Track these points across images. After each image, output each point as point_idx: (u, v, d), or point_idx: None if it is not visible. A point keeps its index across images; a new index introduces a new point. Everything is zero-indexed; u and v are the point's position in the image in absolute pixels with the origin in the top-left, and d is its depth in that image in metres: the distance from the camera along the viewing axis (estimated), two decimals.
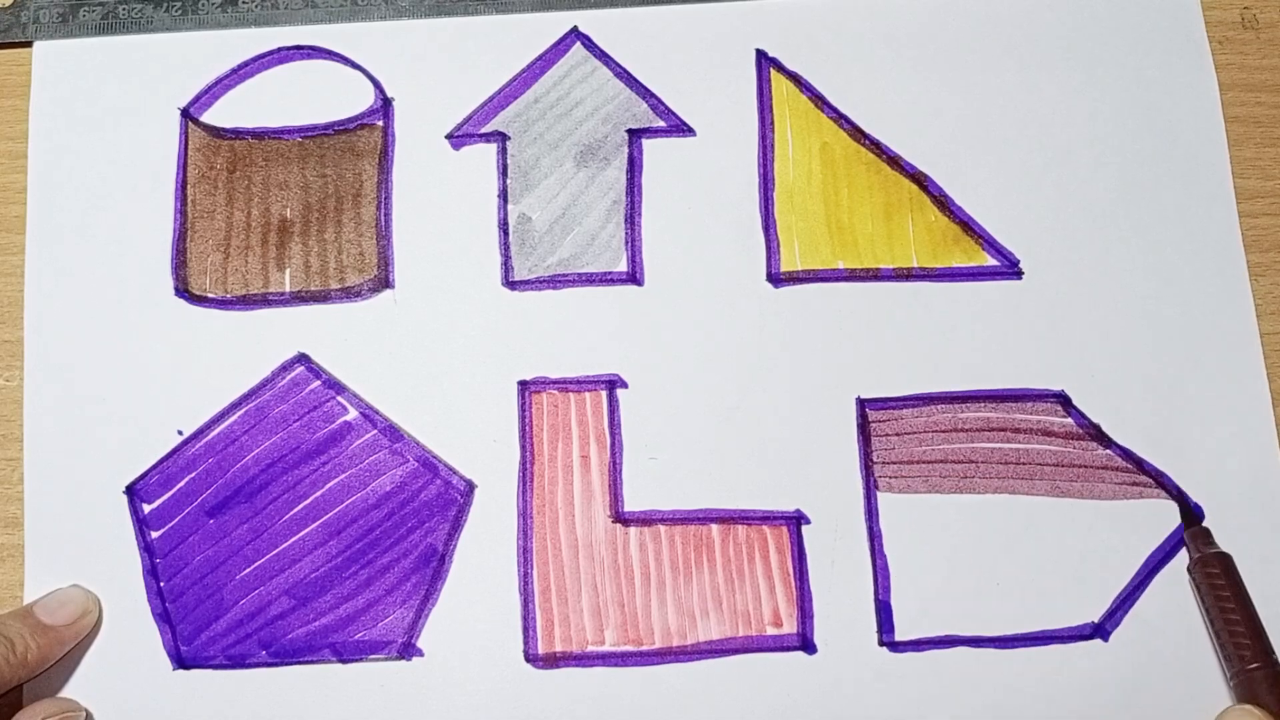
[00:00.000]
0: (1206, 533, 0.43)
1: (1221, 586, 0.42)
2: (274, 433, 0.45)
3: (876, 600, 0.44)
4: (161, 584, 0.44)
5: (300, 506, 0.45)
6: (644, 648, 0.43)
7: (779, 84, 0.48)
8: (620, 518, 0.45)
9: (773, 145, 0.48)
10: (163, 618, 0.44)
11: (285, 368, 0.46)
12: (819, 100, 0.48)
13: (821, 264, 0.47)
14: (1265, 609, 0.43)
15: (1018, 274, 0.46)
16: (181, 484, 0.45)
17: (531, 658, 0.43)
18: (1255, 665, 0.40)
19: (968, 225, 0.47)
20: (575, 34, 0.49)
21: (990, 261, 0.46)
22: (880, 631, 0.43)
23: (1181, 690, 0.43)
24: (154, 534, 0.44)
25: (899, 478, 0.45)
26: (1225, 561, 0.42)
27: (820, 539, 0.44)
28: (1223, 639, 0.41)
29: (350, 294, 0.47)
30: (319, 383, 0.46)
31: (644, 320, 0.46)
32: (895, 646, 0.43)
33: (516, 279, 0.47)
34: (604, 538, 0.44)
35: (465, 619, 0.44)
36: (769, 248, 0.47)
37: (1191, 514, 0.44)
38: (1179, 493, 0.44)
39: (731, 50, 0.49)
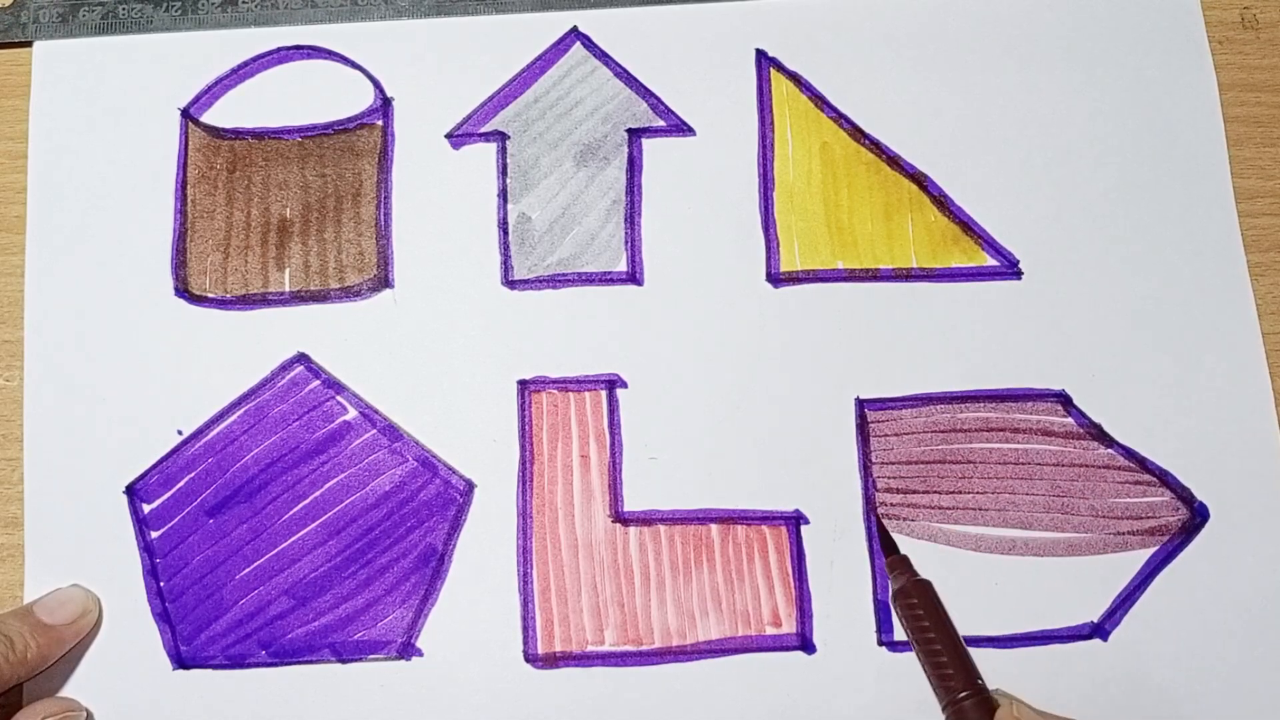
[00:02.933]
0: (905, 561, 0.43)
1: (921, 617, 0.41)
2: (273, 432, 0.45)
3: (876, 600, 0.44)
4: (161, 584, 0.44)
5: (300, 506, 0.45)
6: (644, 648, 0.43)
7: (779, 84, 0.48)
8: (620, 517, 0.45)
9: (773, 145, 0.48)
10: (163, 618, 0.44)
11: (285, 367, 0.46)
12: (819, 100, 0.48)
13: (821, 264, 0.47)
14: (1266, 609, 0.43)
15: (1018, 274, 0.46)
16: (181, 484, 0.45)
17: (531, 658, 0.43)
18: (964, 694, 0.40)
19: (967, 225, 0.47)
20: (575, 34, 0.49)
21: (990, 261, 0.46)
22: (880, 631, 0.43)
23: (1181, 690, 0.43)
24: (154, 534, 0.44)
25: (899, 478, 0.45)
26: (924, 589, 0.42)
27: (820, 539, 0.44)
28: (928, 671, 0.41)
29: (350, 294, 0.47)
30: (318, 382, 0.46)
31: (644, 320, 0.46)
32: (895, 646, 0.43)
33: (516, 278, 0.47)
34: (604, 537, 0.44)
35: (465, 619, 0.44)
36: (769, 248, 0.47)
37: (890, 541, 0.44)
38: (1184, 491, 0.44)
39: (731, 50, 0.49)
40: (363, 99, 0.48)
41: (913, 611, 0.42)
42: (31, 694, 0.43)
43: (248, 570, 0.44)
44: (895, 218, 0.47)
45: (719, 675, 0.43)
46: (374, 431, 0.45)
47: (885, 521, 0.44)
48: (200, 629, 0.44)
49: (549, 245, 0.47)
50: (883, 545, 0.44)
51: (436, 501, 0.45)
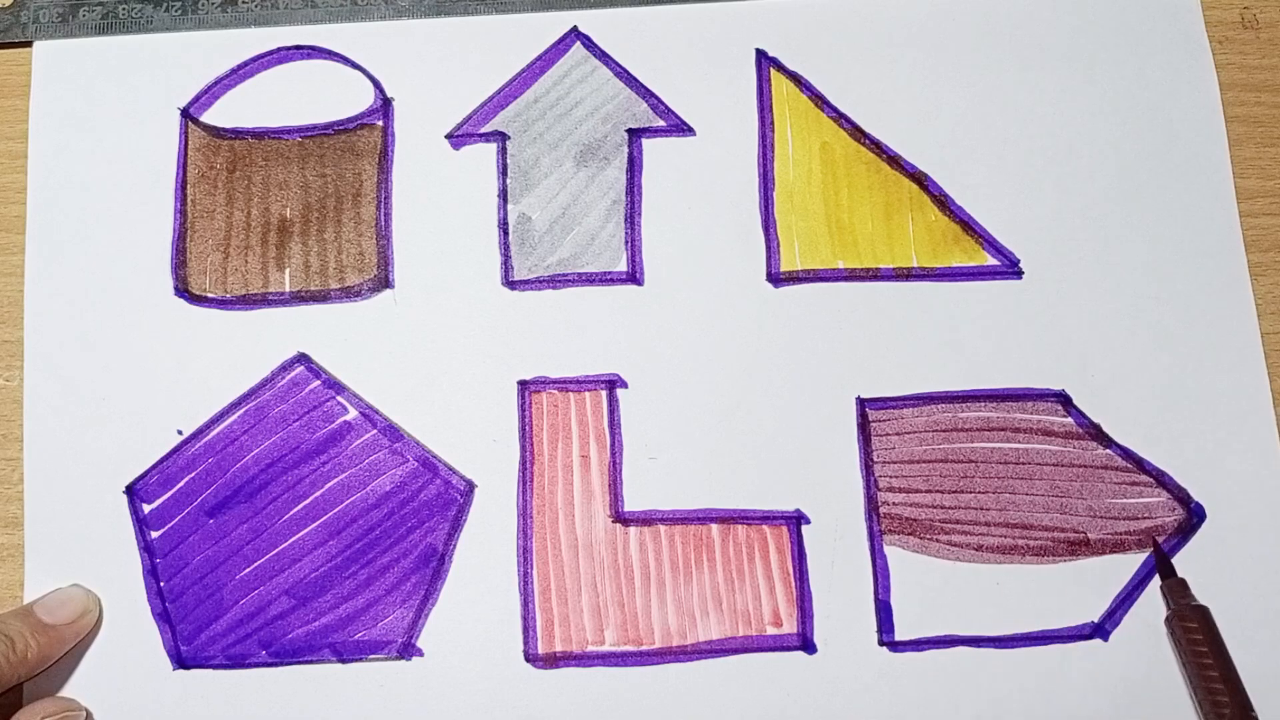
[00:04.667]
0: (1183, 585, 0.43)
1: (1199, 642, 0.41)
2: (274, 432, 0.45)
3: (876, 600, 0.44)
4: (161, 584, 0.44)
5: (300, 506, 0.45)
6: (644, 648, 0.43)
7: (779, 84, 0.48)
8: (620, 517, 0.45)
9: (773, 145, 0.48)
10: (163, 618, 0.44)
11: (285, 367, 0.46)
12: (819, 100, 0.48)
13: (821, 264, 0.47)
14: (1266, 608, 0.43)
15: (1018, 274, 0.46)
16: (181, 484, 0.45)
17: (531, 658, 0.43)
18: None
19: (968, 225, 0.47)
20: (575, 34, 0.49)
21: (990, 261, 0.46)
22: (880, 631, 0.43)
23: (1181, 690, 0.43)
24: (154, 534, 0.44)
25: (900, 477, 0.45)
26: (1203, 616, 0.41)
27: (820, 539, 0.44)
28: (1200, 695, 0.41)
29: (350, 294, 0.47)
30: (319, 382, 0.46)
31: (644, 320, 0.46)
32: (895, 646, 0.43)
33: (516, 279, 0.47)
34: (604, 537, 0.44)
35: (465, 619, 0.44)
36: (769, 247, 0.47)
37: (1168, 563, 0.43)
38: (1180, 492, 0.44)
39: (731, 50, 0.49)
40: (363, 99, 0.48)
41: (1191, 636, 0.41)
42: (31, 694, 0.43)
43: (248, 570, 0.44)
44: (895, 217, 0.47)
45: (719, 675, 0.43)
46: (374, 432, 0.45)
47: (885, 522, 0.44)
48: (200, 629, 0.44)
49: (549, 245, 0.47)
50: (1159, 568, 0.43)
51: (437, 501, 0.45)
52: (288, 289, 0.47)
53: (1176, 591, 0.42)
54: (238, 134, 0.48)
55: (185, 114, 0.48)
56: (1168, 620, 0.42)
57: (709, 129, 0.48)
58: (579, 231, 0.47)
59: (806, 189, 0.47)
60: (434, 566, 0.44)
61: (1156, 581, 0.43)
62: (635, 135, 0.48)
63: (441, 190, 0.47)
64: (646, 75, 0.48)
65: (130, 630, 0.44)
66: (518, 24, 0.49)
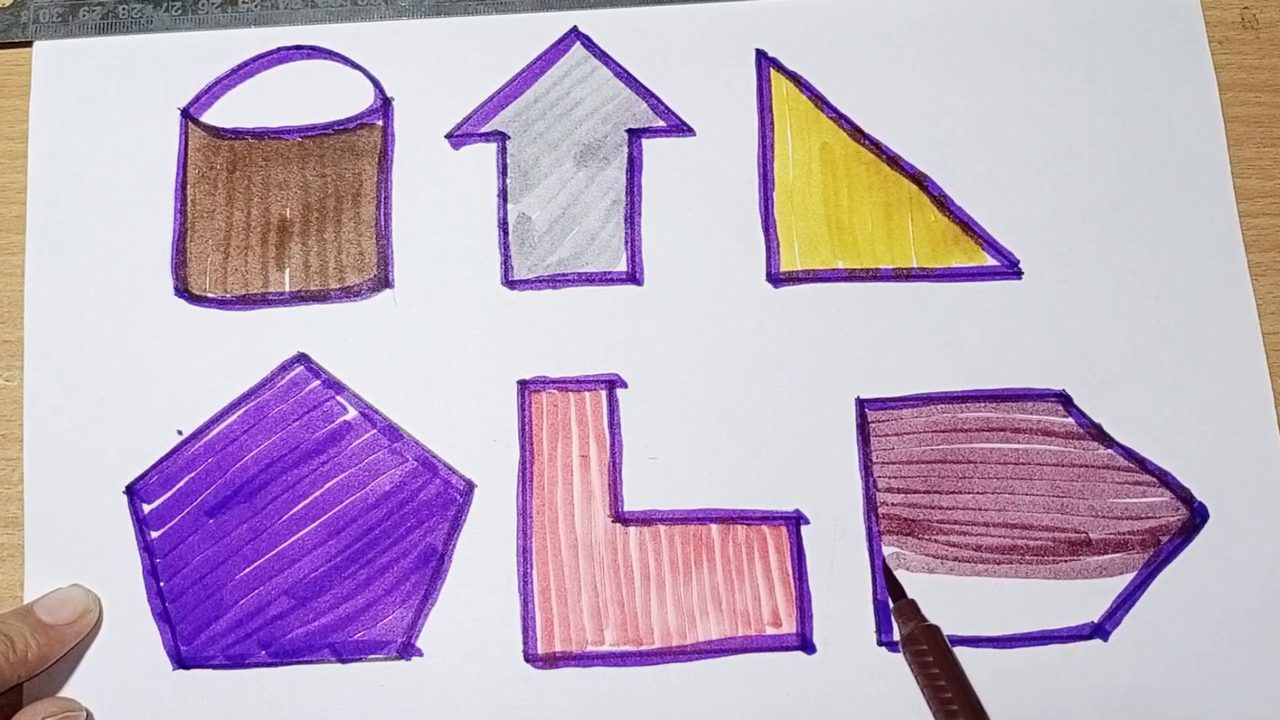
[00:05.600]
0: (913, 605, 0.42)
1: (930, 664, 0.41)
2: (273, 432, 0.45)
3: (876, 600, 0.44)
4: (161, 584, 0.44)
5: (300, 506, 0.45)
6: (643, 648, 0.43)
7: (779, 84, 0.48)
8: (620, 517, 0.45)
9: (773, 145, 0.48)
10: (163, 618, 0.44)
11: (285, 367, 0.46)
12: (819, 100, 0.48)
13: (821, 264, 0.47)
14: (1265, 609, 0.43)
15: (1018, 274, 0.46)
16: (181, 484, 0.45)
17: (531, 658, 0.43)
18: None
19: (967, 225, 0.47)
20: (575, 34, 0.49)
21: (990, 261, 0.46)
22: (880, 631, 0.43)
23: (1181, 690, 0.43)
24: (154, 534, 0.44)
25: (899, 477, 0.45)
26: (933, 635, 0.41)
27: (820, 539, 0.44)
28: (938, 716, 0.41)
29: (350, 294, 0.47)
30: (318, 382, 0.46)
31: (644, 320, 0.46)
32: (895, 646, 0.43)
33: (516, 278, 0.47)
34: (604, 537, 0.44)
35: (465, 619, 0.44)
36: (769, 248, 0.47)
37: (898, 585, 0.43)
38: (1184, 492, 0.44)
39: (731, 50, 0.49)
40: (363, 99, 0.48)
41: (922, 658, 0.41)
42: (31, 694, 0.43)
43: (248, 570, 0.44)
44: (895, 218, 0.47)
45: (719, 675, 0.43)
46: (374, 431, 0.45)
47: (884, 522, 0.44)
48: (200, 629, 0.44)
49: (549, 245, 0.47)
50: (889, 590, 0.43)
51: (436, 501, 0.45)
52: (288, 289, 0.47)
53: (906, 613, 0.42)
54: (238, 134, 0.48)
55: (185, 114, 0.48)
56: (901, 643, 0.42)
57: (709, 129, 0.48)
58: (579, 231, 0.47)
59: (806, 189, 0.47)
60: (433, 566, 0.44)
61: (1154, 581, 0.43)
62: (635, 135, 0.48)
63: (441, 190, 0.47)
64: (646, 75, 0.48)
65: (130, 630, 0.44)
66: (518, 24, 0.49)
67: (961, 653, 0.43)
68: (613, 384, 0.46)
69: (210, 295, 0.46)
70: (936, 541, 0.44)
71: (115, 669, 0.43)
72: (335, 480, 0.45)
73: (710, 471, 0.45)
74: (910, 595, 0.43)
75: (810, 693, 0.43)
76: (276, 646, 0.44)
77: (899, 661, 0.43)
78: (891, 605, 0.43)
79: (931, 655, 0.41)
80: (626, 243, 0.47)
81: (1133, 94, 0.48)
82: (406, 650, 0.43)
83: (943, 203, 0.47)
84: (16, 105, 0.48)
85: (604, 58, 0.49)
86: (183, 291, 0.46)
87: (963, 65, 0.48)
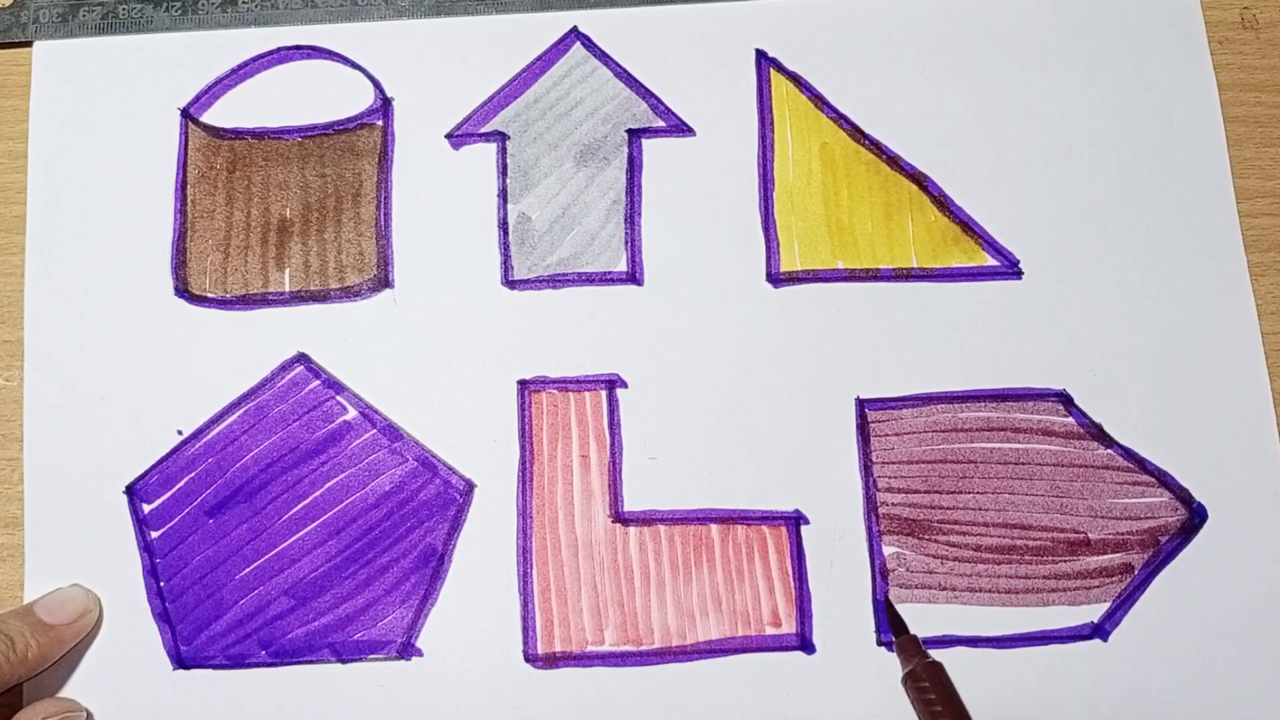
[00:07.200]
0: (915, 641, 0.42)
1: (933, 701, 0.40)
2: (273, 432, 0.45)
3: (876, 600, 0.44)
4: (161, 584, 0.44)
5: (300, 506, 0.45)
6: (643, 648, 0.43)
7: (779, 84, 0.48)
8: (620, 517, 0.45)
9: (773, 145, 0.48)
10: (163, 618, 0.44)
11: (285, 367, 0.46)
12: (819, 100, 0.48)
13: (821, 264, 0.47)
14: (1266, 609, 0.43)
15: (1018, 274, 0.46)
16: (181, 484, 0.45)
17: (531, 658, 0.43)
18: None
19: (967, 225, 0.47)
20: (575, 34, 0.49)
21: (990, 261, 0.46)
22: (879, 631, 0.43)
23: (1181, 690, 0.43)
24: (154, 534, 0.44)
25: (899, 477, 0.45)
26: (935, 671, 0.41)
27: (820, 539, 0.44)
28: None
29: (350, 294, 0.47)
30: (318, 382, 0.46)
31: (644, 320, 0.46)
32: (894, 647, 0.43)
33: (516, 278, 0.47)
34: (604, 537, 0.44)
35: (465, 619, 0.44)
36: (769, 248, 0.47)
37: (902, 625, 0.43)
38: (1183, 492, 0.44)
39: (731, 50, 0.49)
40: (363, 99, 0.48)
41: (924, 695, 0.41)
42: (31, 694, 0.43)
43: (248, 570, 0.44)
44: (895, 218, 0.47)
45: (719, 675, 0.43)
46: (374, 431, 0.45)
47: (884, 522, 0.44)
48: (200, 629, 0.44)
49: (549, 245, 0.47)
50: (891, 625, 0.43)
51: (436, 501, 0.45)
52: (287, 289, 0.47)
53: (909, 649, 0.42)
54: (238, 134, 0.48)
55: (185, 114, 0.48)
56: (903, 680, 0.42)
57: (709, 129, 0.48)
58: (579, 231, 0.47)
59: (806, 189, 0.47)
60: (433, 566, 0.44)
61: (1154, 581, 0.43)
62: (635, 135, 0.48)
63: (441, 190, 0.47)
64: (646, 75, 0.48)
65: (130, 630, 0.44)
66: (518, 24, 0.49)
67: (962, 653, 0.43)
68: (613, 384, 0.46)
69: (210, 295, 0.46)
70: (936, 541, 0.44)
71: (115, 669, 0.43)
72: (335, 480, 0.45)
73: (710, 471, 0.45)
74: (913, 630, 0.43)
75: (810, 693, 0.43)
76: (276, 646, 0.44)
77: (899, 661, 0.43)
78: (894, 641, 0.43)
79: (934, 693, 0.41)
80: (626, 243, 0.47)
81: (1133, 94, 0.48)
82: (406, 650, 0.43)
83: (943, 203, 0.47)
84: (16, 105, 0.48)
85: (604, 58, 0.49)
86: (183, 291, 0.46)
87: (963, 65, 0.48)
